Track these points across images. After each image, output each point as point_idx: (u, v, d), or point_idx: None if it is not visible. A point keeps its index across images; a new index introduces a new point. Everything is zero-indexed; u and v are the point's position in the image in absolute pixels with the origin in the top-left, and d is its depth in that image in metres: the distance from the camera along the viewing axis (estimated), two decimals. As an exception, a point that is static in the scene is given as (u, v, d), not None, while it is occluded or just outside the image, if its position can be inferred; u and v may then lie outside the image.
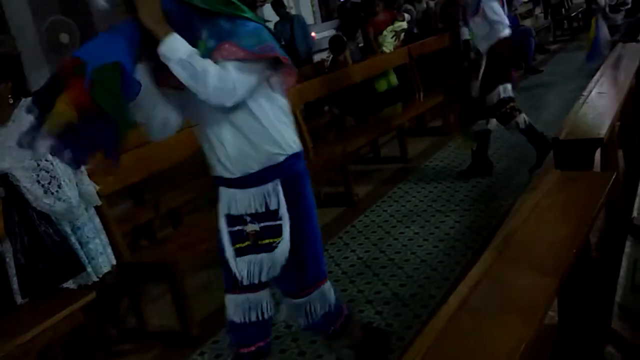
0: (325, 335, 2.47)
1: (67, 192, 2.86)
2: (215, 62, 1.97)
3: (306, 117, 5.79)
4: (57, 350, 2.84)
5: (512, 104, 4.94)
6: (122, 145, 2.03)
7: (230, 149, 2.10)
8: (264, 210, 2.14)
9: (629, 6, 8.83)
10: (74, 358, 2.95)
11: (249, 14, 2.06)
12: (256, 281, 2.21)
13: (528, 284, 1.70)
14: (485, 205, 4.59)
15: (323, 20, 10.87)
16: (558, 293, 1.78)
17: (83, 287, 2.97)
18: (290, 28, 7.37)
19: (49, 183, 2.83)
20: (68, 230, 2.95)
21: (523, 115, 4.98)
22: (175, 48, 1.93)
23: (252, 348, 2.33)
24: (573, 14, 14.26)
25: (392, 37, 7.36)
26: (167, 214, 4.54)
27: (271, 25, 7.22)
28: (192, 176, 4.92)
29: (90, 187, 3.06)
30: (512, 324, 1.49)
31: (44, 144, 1.84)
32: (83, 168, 3.05)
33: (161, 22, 1.93)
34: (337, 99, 6.57)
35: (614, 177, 2.37)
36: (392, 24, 7.41)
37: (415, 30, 8.36)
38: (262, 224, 2.15)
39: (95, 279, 3.03)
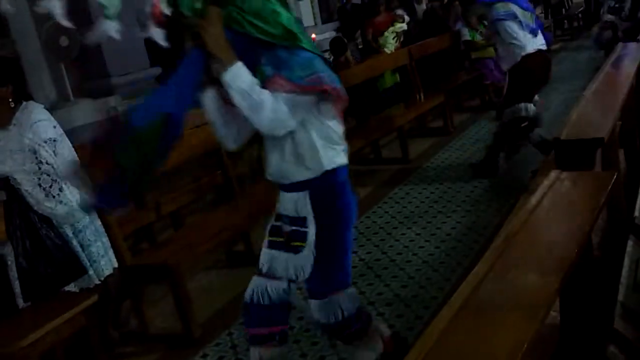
0: (339, 338, 2.53)
1: (69, 195, 2.86)
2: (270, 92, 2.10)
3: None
4: (59, 353, 2.85)
5: (527, 124, 4.86)
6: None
7: (272, 160, 2.30)
8: (295, 215, 2.30)
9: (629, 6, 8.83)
10: (76, 361, 2.95)
11: (305, 44, 2.16)
12: (277, 275, 2.37)
13: (530, 284, 1.69)
14: (487, 205, 4.58)
15: (323, 22, 10.89)
16: (560, 293, 1.78)
17: (85, 290, 2.97)
18: None
19: (50, 186, 2.83)
20: (69, 233, 2.95)
21: (537, 131, 4.91)
22: (238, 77, 2.08)
23: (265, 331, 2.42)
24: (574, 14, 14.26)
25: (393, 39, 7.38)
26: (168, 216, 4.54)
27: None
28: (193, 178, 4.92)
29: (92, 190, 3.06)
30: (514, 324, 1.49)
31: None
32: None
33: (227, 50, 2.09)
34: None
35: (615, 176, 2.37)
36: (393, 25, 7.43)
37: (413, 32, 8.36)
38: (292, 227, 2.31)
39: (97, 282, 3.03)
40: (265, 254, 2.43)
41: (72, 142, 3.02)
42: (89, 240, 3.00)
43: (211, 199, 5.08)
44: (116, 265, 3.14)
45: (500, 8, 4.71)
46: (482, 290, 1.67)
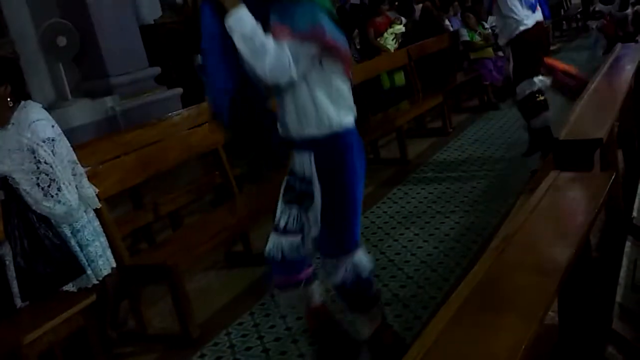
0: (351, 306, 2.55)
1: (67, 195, 2.85)
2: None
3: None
4: (57, 353, 2.84)
5: (538, 99, 4.82)
6: None
7: (281, 115, 2.34)
8: (302, 175, 2.39)
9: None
10: (74, 361, 2.95)
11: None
12: (292, 228, 2.47)
13: (528, 285, 1.69)
14: (485, 206, 4.59)
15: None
16: (558, 293, 1.78)
17: (83, 289, 2.96)
18: None
19: (49, 186, 2.82)
20: (68, 233, 2.94)
21: (549, 113, 4.89)
22: (241, 21, 2.09)
23: (286, 280, 2.58)
24: (572, 15, 14.27)
25: (392, 40, 7.39)
26: (166, 217, 4.54)
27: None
28: (192, 178, 4.93)
29: (90, 190, 3.06)
30: (512, 325, 1.49)
31: None
32: (82, 170, 3.05)
33: None
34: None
35: (613, 177, 2.37)
36: (391, 26, 7.43)
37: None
38: (302, 185, 2.41)
39: (95, 282, 3.02)
40: (280, 208, 2.52)
41: (70, 142, 3.02)
42: (87, 240, 3.00)
43: (210, 200, 5.08)
44: (114, 265, 3.14)
45: None
46: (481, 290, 1.67)
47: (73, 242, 2.95)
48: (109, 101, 5.71)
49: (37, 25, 5.44)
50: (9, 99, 2.87)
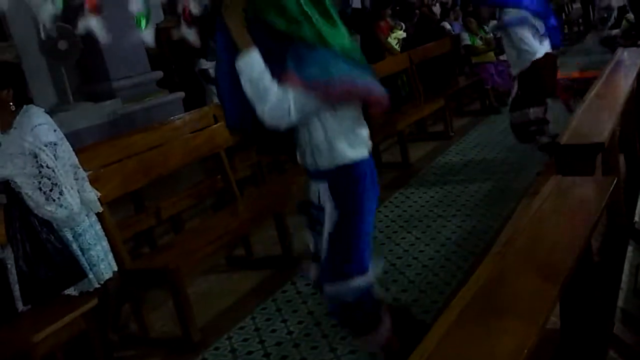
0: (355, 330, 2.55)
1: (69, 198, 2.86)
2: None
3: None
4: (59, 357, 2.85)
5: (536, 128, 4.81)
6: None
7: (301, 147, 2.35)
8: (316, 202, 2.42)
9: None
10: (76, 365, 2.95)
11: (333, 39, 2.14)
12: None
13: (530, 289, 1.69)
14: (487, 210, 4.58)
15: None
16: (560, 298, 1.78)
17: (84, 293, 2.96)
18: None
19: (51, 190, 2.82)
20: (69, 237, 2.95)
21: (544, 139, 4.83)
22: (249, 64, 2.12)
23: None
24: (574, 19, 14.29)
25: (396, 44, 7.42)
26: (168, 221, 4.54)
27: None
28: (193, 182, 4.93)
29: (92, 194, 3.07)
30: (513, 329, 1.49)
31: None
32: (84, 174, 3.05)
33: (243, 35, 2.12)
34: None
35: (615, 182, 2.37)
36: (393, 32, 7.46)
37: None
38: (315, 212, 2.44)
39: (97, 286, 3.02)
40: (306, 234, 2.59)
41: (72, 146, 3.02)
42: (89, 243, 3.00)
43: (211, 203, 5.09)
44: (116, 269, 3.14)
45: (512, 12, 4.65)
46: (482, 295, 1.67)
47: (75, 246, 2.96)
48: (110, 105, 5.71)
49: (39, 29, 5.44)
50: (11, 103, 2.88)
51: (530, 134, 4.85)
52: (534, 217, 2.17)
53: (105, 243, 3.11)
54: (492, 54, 7.92)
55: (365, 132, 2.36)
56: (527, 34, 4.61)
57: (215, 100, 5.62)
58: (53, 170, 2.81)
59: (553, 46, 4.82)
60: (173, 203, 4.44)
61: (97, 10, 5.46)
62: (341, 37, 2.21)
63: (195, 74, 6.37)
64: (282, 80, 2.12)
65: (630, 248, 3.19)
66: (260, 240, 4.52)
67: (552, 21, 4.88)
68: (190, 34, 5.94)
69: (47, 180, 2.81)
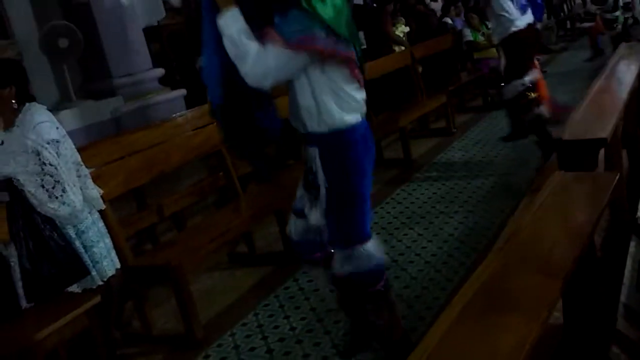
0: (360, 297, 2.58)
1: (72, 196, 2.86)
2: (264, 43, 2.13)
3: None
4: (62, 354, 2.85)
5: (529, 97, 4.91)
6: None
7: (293, 109, 2.37)
8: (310, 167, 2.43)
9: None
10: (79, 362, 2.96)
11: (320, 8, 2.12)
12: (302, 211, 2.55)
13: (532, 285, 1.69)
14: (489, 206, 4.58)
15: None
16: (562, 293, 1.78)
17: (87, 290, 2.97)
18: None
19: (53, 187, 2.83)
20: (72, 234, 2.95)
21: (543, 109, 4.96)
22: (230, 22, 2.13)
23: (307, 257, 2.69)
24: (576, 14, 14.25)
25: (402, 37, 7.45)
26: (171, 218, 4.55)
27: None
28: (196, 179, 4.93)
29: (94, 191, 3.07)
30: (516, 325, 1.49)
31: None
32: (87, 172, 3.06)
33: None
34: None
35: (617, 177, 2.37)
36: (396, 27, 7.46)
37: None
38: (311, 176, 2.44)
39: (100, 283, 3.03)
40: (298, 191, 2.61)
41: (74, 143, 3.03)
42: (91, 241, 3.01)
43: (214, 201, 5.09)
44: (119, 266, 3.15)
45: None
46: (485, 291, 1.67)
47: (78, 243, 2.96)
48: (112, 102, 5.71)
49: (41, 27, 5.45)
50: (13, 101, 2.88)
51: (525, 104, 4.93)
52: (537, 213, 2.17)
53: (108, 240, 3.11)
54: (494, 49, 7.88)
55: (359, 95, 2.34)
56: (507, 2, 4.81)
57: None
58: (56, 168, 2.82)
59: (535, 19, 5.00)
60: (175, 200, 4.44)
61: None
62: (329, 10, 2.18)
63: (197, 71, 6.37)
64: (263, 38, 2.13)
65: (632, 243, 3.18)
66: (262, 236, 4.52)
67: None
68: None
69: (50, 178, 2.82)
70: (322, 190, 2.36)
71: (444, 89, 7.07)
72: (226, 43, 2.15)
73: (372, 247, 2.45)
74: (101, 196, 3.11)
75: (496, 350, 1.41)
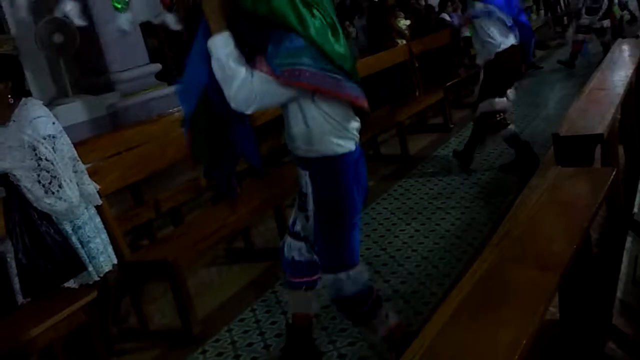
0: (350, 319, 2.61)
1: (68, 191, 2.86)
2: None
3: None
4: (58, 350, 2.85)
5: (501, 117, 5.01)
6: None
7: (286, 132, 2.36)
8: (301, 189, 2.43)
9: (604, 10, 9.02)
10: (76, 357, 2.95)
11: (310, 29, 2.09)
12: (298, 232, 2.57)
13: (528, 280, 1.69)
14: (486, 202, 4.59)
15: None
16: (559, 289, 1.78)
17: (84, 286, 2.97)
18: None
19: (50, 183, 2.82)
20: (69, 229, 2.95)
21: (511, 127, 5.09)
22: (220, 46, 2.12)
23: (295, 280, 2.68)
24: (574, 11, 14.24)
25: (404, 31, 7.45)
26: (167, 213, 4.54)
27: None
28: (193, 175, 4.92)
29: (91, 187, 3.07)
30: (512, 320, 1.49)
31: None
32: (83, 167, 3.05)
33: (216, 18, 2.12)
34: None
35: (614, 173, 2.37)
36: (397, 20, 7.48)
37: None
38: (303, 197, 2.43)
39: (97, 278, 3.03)
40: (293, 212, 2.62)
41: (71, 139, 3.02)
42: (88, 236, 3.01)
43: (211, 196, 5.08)
44: (115, 261, 3.15)
45: (479, 5, 4.90)
46: (481, 286, 1.68)
47: (74, 238, 2.96)
48: (109, 98, 5.70)
49: (37, 21, 5.42)
50: (9, 96, 2.87)
51: (494, 124, 5.02)
52: (533, 209, 2.17)
53: (104, 236, 3.11)
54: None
55: (353, 124, 2.33)
56: (492, 28, 4.86)
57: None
58: (52, 163, 2.81)
59: (522, 41, 5.03)
60: (172, 196, 4.43)
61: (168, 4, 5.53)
62: (325, 34, 2.15)
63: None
64: (253, 65, 2.13)
65: (629, 239, 3.19)
66: (259, 232, 4.52)
67: (522, 18, 5.17)
68: (170, 19, 6.01)
69: (46, 173, 2.81)
70: (311, 214, 2.37)
71: (441, 85, 7.07)
72: (214, 65, 2.13)
73: (358, 273, 2.43)
74: (98, 192, 3.11)
75: (493, 345, 1.41)
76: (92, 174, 3.16)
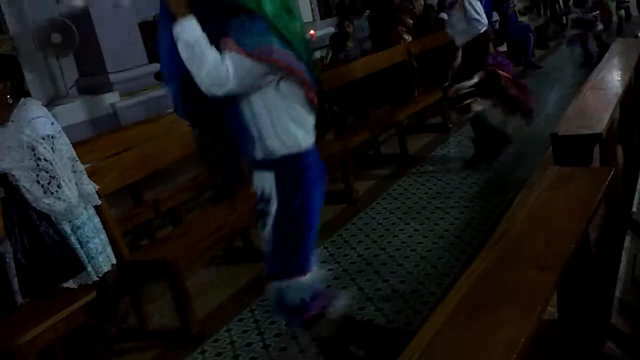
0: (293, 323, 2.55)
1: (67, 191, 2.86)
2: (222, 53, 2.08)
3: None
4: (57, 350, 2.85)
5: (465, 103, 5.13)
6: None
7: (244, 131, 2.27)
8: (263, 193, 2.34)
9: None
10: (75, 357, 2.95)
11: (268, 9, 2.11)
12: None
13: (527, 279, 1.70)
14: (485, 201, 4.59)
15: (322, 18, 10.87)
16: (557, 288, 1.78)
17: (83, 286, 2.97)
18: None
19: (49, 183, 2.82)
20: (68, 229, 2.95)
21: (482, 107, 5.18)
22: (185, 30, 2.08)
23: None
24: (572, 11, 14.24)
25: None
26: (167, 213, 4.54)
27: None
28: (192, 175, 4.92)
29: (90, 187, 3.07)
30: (511, 320, 1.49)
31: None
32: (82, 167, 3.05)
33: (179, 4, 2.08)
34: (336, 96, 6.57)
35: (612, 172, 2.37)
36: None
37: None
38: (261, 203, 2.36)
39: (96, 279, 3.03)
40: (259, 225, 2.48)
41: (70, 139, 3.02)
42: (87, 236, 3.01)
43: (210, 196, 5.08)
44: (114, 261, 3.15)
45: None
46: (480, 285, 1.68)
47: (73, 239, 2.96)
48: (108, 98, 5.70)
49: (36, 21, 5.43)
50: (8, 96, 2.87)
51: (461, 109, 5.24)
52: (532, 208, 2.17)
53: (103, 236, 3.11)
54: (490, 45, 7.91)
55: (311, 119, 2.30)
56: (479, 5, 4.97)
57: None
58: (51, 163, 2.81)
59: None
60: (171, 196, 4.44)
61: None
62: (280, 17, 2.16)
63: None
64: (221, 47, 2.09)
65: (627, 238, 3.19)
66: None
67: (487, 4, 5.45)
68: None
69: (45, 174, 2.82)
70: (271, 217, 2.29)
71: (439, 85, 7.06)
72: (181, 49, 2.08)
73: (309, 281, 2.33)
74: (97, 192, 3.11)
75: (491, 344, 1.41)
76: (91, 174, 3.16)
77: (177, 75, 2.19)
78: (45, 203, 2.83)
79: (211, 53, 2.07)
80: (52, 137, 2.85)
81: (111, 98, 5.72)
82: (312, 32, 8.60)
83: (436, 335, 1.47)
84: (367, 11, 8.26)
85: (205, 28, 2.10)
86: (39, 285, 2.85)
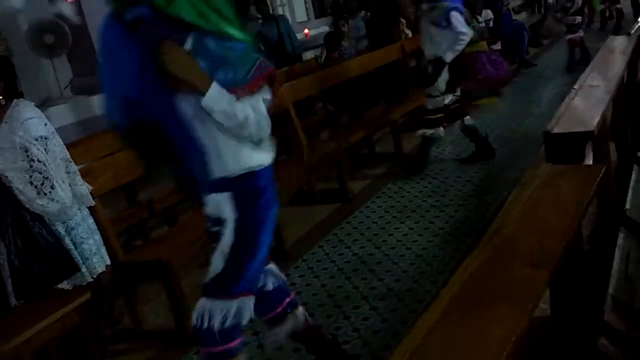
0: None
1: (60, 192, 2.85)
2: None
3: (300, 113, 5.79)
4: (52, 351, 2.85)
5: (436, 116, 5.21)
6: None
7: (197, 153, 2.20)
8: (217, 216, 2.25)
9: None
10: (70, 359, 2.95)
11: (231, 29, 2.08)
12: None
13: (520, 277, 1.70)
14: (479, 199, 4.60)
15: (316, 17, 10.88)
16: (550, 285, 1.79)
17: (77, 287, 2.96)
18: (276, 27, 7.37)
19: (42, 184, 2.82)
20: (62, 230, 2.94)
21: (440, 130, 5.27)
22: (218, 99, 2.04)
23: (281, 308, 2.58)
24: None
25: (407, 25, 7.51)
26: (161, 213, 4.54)
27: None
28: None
29: (84, 188, 3.06)
30: (503, 317, 1.49)
31: None
32: (76, 168, 3.05)
33: (200, 75, 2.03)
34: (331, 96, 6.58)
35: (604, 169, 2.38)
36: None
37: None
38: (214, 227, 2.27)
39: (90, 279, 3.03)
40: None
41: (63, 140, 3.01)
42: (81, 237, 3.00)
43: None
44: (109, 262, 3.14)
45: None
46: (472, 283, 1.68)
47: (67, 240, 2.95)
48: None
49: (29, 22, 5.42)
50: (1, 98, 2.87)
51: (433, 121, 5.25)
52: (525, 206, 2.17)
53: (97, 237, 3.11)
54: (484, 43, 7.89)
55: (268, 136, 2.24)
56: (462, 17, 5.00)
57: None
58: (44, 164, 2.81)
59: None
60: (166, 196, 4.43)
61: None
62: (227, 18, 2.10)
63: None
64: (235, 94, 2.06)
65: (621, 235, 3.21)
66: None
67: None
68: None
69: (38, 175, 2.81)
70: (225, 239, 2.21)
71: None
72: (220, 118, 2.06)
73: (248, 303, 2.28)
74: (90, 192, 3.10)
75: (483, 341, 1.41)
76: (85, 174, 3.15)
77: (125, 94, 2.22)
78: (39, 204, 2.83)
79: (246, 111, 2.07)
80: (46, 138, 2.85)
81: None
82: (306, 31, 8.61)
83: (429, 333, 1.47)
84: (363, 12, 8.27)
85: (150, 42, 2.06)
86: (33, 287, 2.84)
